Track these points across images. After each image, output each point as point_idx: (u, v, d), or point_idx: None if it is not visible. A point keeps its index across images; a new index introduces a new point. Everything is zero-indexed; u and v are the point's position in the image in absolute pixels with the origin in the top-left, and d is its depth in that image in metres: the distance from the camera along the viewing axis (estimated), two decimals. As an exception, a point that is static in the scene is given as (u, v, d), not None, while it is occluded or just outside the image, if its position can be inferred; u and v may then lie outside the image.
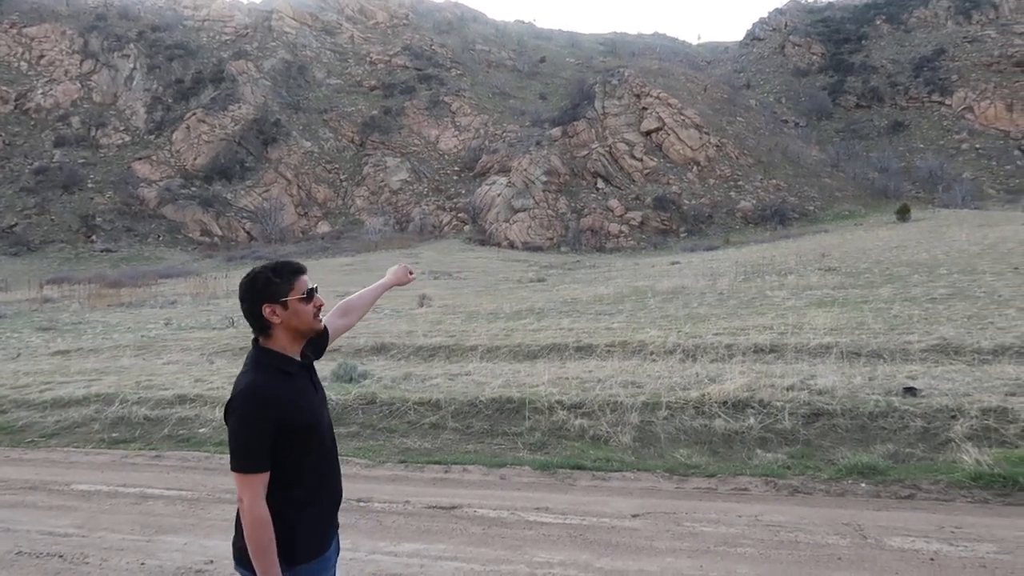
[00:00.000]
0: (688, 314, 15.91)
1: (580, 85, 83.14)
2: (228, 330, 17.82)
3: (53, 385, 9.93)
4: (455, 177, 74.77)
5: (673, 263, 37.87)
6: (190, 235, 67.36)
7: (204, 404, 8.08)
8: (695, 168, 69.50)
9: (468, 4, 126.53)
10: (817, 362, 9.11)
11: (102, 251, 63.83)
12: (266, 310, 2.36)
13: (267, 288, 2.37)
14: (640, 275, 31.48)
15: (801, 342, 10.54)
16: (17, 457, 7.25)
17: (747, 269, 26.94)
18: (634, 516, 4.84)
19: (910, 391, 6.85)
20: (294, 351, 2.44)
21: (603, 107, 75.15)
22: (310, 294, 2.43)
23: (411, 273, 3.20)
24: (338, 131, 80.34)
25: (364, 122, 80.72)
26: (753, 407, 6.49)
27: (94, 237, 66.14)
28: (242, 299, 2.42)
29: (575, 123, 74.13)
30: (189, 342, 15.34)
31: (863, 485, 5.11)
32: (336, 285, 34.69)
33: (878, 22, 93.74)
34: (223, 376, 9.98)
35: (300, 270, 2.47)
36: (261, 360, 2.37)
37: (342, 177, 75.56)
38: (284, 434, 2.25)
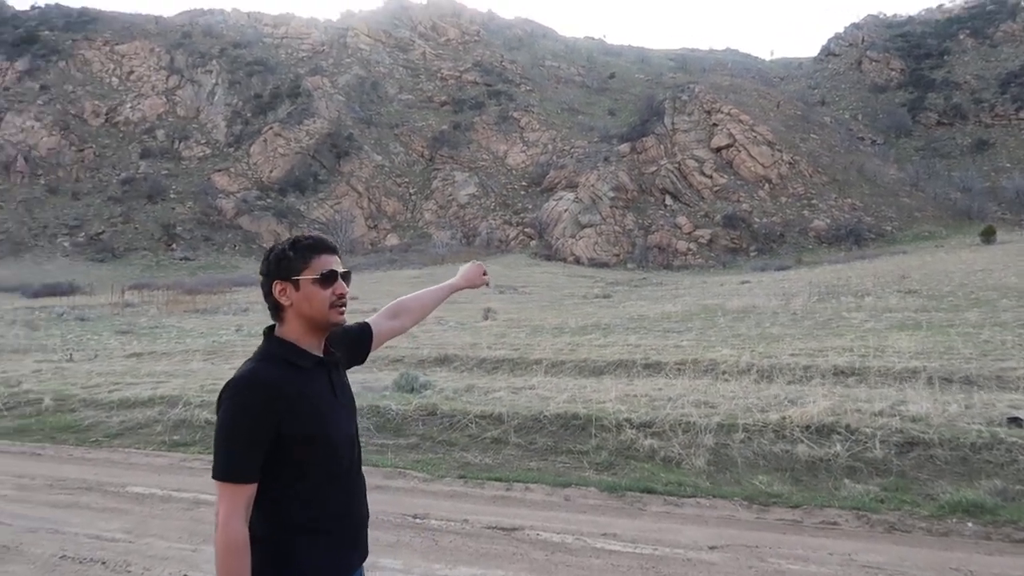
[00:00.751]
0: (761, 334, 15.39)
1: (649, 101, 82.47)
2: (294, 338, 17.93)
3: (122, 386, 10.06)
4: (522, 192, 74.93)
5: (743, 282, 36.92)
6: (264, 245, 69.11)
7: (264, 410, 7.98)
8: (767, 186, 67.93)
9: (538, 21, 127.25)
10: (904, 387, 8.50)
11: (181, 259, 66.24)
12: (276, 288, 2.00)
13: (279, 263, 2.01)
14: (709, 293, 30.77)
15: (885, 365, 9.94)
16: (80, 456, 7.28)
17: (821, 290, 26.10)
18: (711, 548, 4.44)
19: (1015, 421, 6.24)
20: (310, 344, 2.03)
21: (672, 123, 74.28)
22: (328, 277, 2.01)
23: (485, 274, 2.69)
24: (408, 145, 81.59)
25: (434, 137, 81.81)
26: (839, 433, 5.99)
27: (174, 245, 68.70)
28: (260, 275, 2.08)
29: (644, 139, 73.47)
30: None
31: (970, 525, 4.58)
32: (401, 296, 34.92)
33: (961, 36, 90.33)
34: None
35: (320, 247, 2.04)
36: (269, 349, 2.00)
37: (411, 191, 76.59)
38: (284, 438, 1.86)
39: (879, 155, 75.40)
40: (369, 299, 34.03)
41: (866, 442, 5.79)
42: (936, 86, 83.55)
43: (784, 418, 6.28)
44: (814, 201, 66.32)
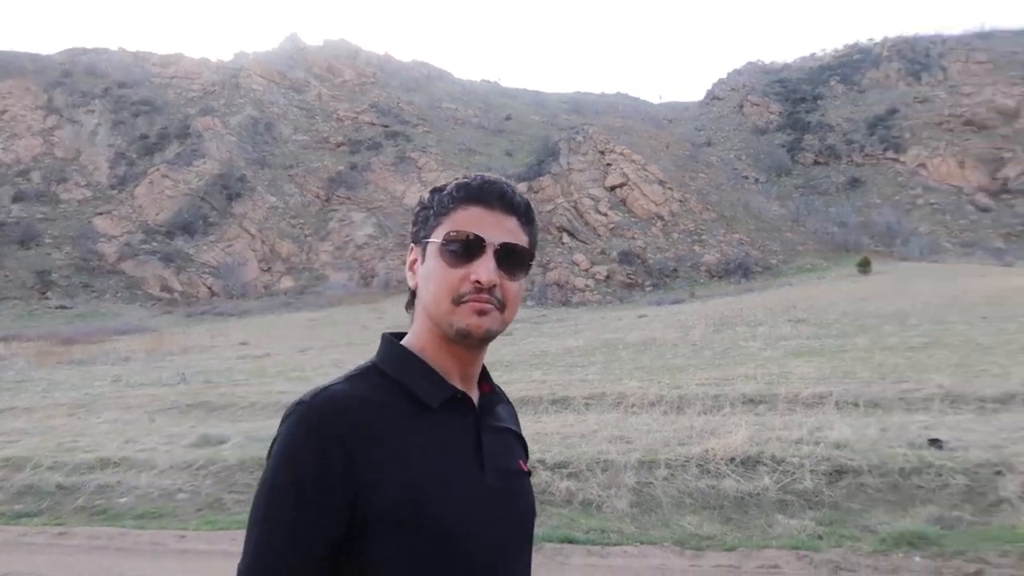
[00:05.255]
0: (664, 365, 15.44)
1: (545, 142, 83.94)
2: (179, 386, 16.73)
3: (-37, 449, 8.74)
4: (421, 232, 74.33)
5: (640, 316, 37.41)
6: (149, 291, 65.53)
7: (129, 468, 6.98)
8: (659, 222, 69.90)
9: (434, 64, 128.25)
10: (813, 413, 8.40)
11: (57, 307, 61.61)
12: (410, 257, 1.26)
13: (417, 213, 1.28)
14: (608, 328, 30.94)
15: (791, 392, 9.94)
16: None
17: (716, 321, 26.65)
18: (643, 604, 3.93)
19: (935, 443, 6.10)
20: (446, 367, 1.17)
21: (568, 163, 75.69)
22: (456, 245, 1.16)
23: None
24: (304, 187, 79.67)
25: (330, 178, 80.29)
26: (765, 464, 5.65)
27: (49, 293, 64.00)
28: None
29: (540, 179, 74.42)
30: (133, 400, 14.24)
31: (917, 559, 4.25)
32: (298, 340, 33.46)
33: (832, 83, 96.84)
34: (161, 436, 8.91)
35: (474, 193, 1.25)
36: (378, 361, 1.16)
37: (307, 232, 74.57)
38: (361, 523, 1.02)
39: (763, 192, 79.16)
40: (261, 344, 32.38)
41: (794, 472, 5.47)
42: (811, 128, 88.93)
43: (707, 451, 5.91)
44: (704, 236, 68.66)
